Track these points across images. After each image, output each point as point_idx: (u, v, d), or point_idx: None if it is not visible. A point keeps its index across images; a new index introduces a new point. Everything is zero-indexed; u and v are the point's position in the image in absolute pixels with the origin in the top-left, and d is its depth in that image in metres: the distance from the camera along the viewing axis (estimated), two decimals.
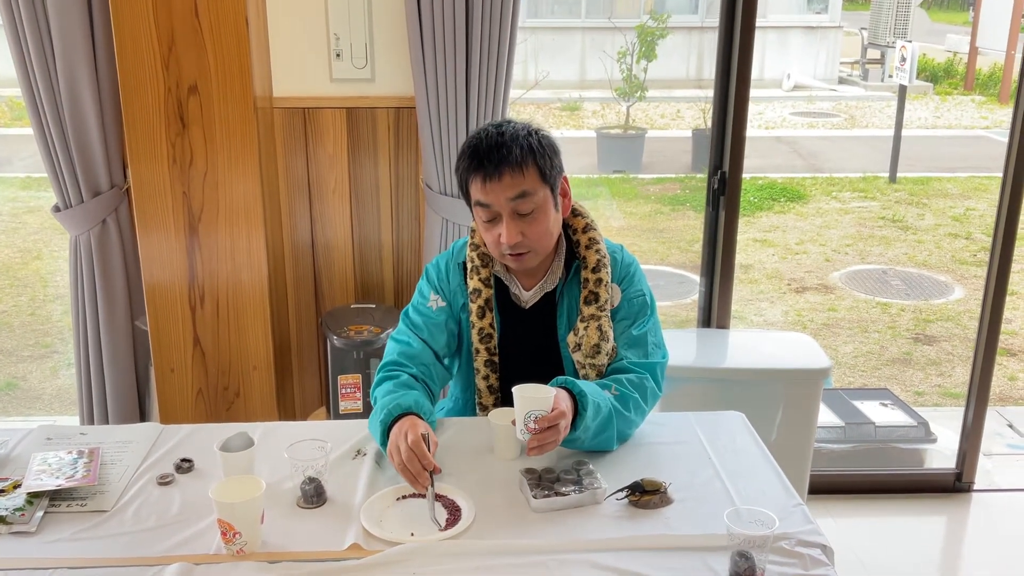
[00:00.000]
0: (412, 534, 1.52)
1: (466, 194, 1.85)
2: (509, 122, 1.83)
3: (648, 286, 1.96)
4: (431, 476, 1.61)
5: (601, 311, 1.86)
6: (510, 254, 1.81)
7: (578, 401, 1.70)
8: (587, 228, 1.91)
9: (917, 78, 10.15)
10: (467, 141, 1.82)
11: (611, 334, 1.86)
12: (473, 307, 1.90)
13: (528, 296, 1.92)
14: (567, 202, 1.89)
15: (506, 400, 1.84)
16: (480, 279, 1.90)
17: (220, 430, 1.80)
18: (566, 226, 1.93)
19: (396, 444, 1.65)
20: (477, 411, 1.97)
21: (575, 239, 1.91)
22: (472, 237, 1.93)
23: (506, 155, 1.75)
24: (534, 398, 1.64)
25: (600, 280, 1.86)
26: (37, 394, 4.51)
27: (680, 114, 10.12)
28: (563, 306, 1.91)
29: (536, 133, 1.81)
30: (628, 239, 6.79)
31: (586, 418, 1.68)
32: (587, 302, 1.86)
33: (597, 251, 1.88)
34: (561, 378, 1.74)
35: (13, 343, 5.09)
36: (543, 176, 1.79)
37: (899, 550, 2.88)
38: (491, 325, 1.90)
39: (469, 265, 1.91)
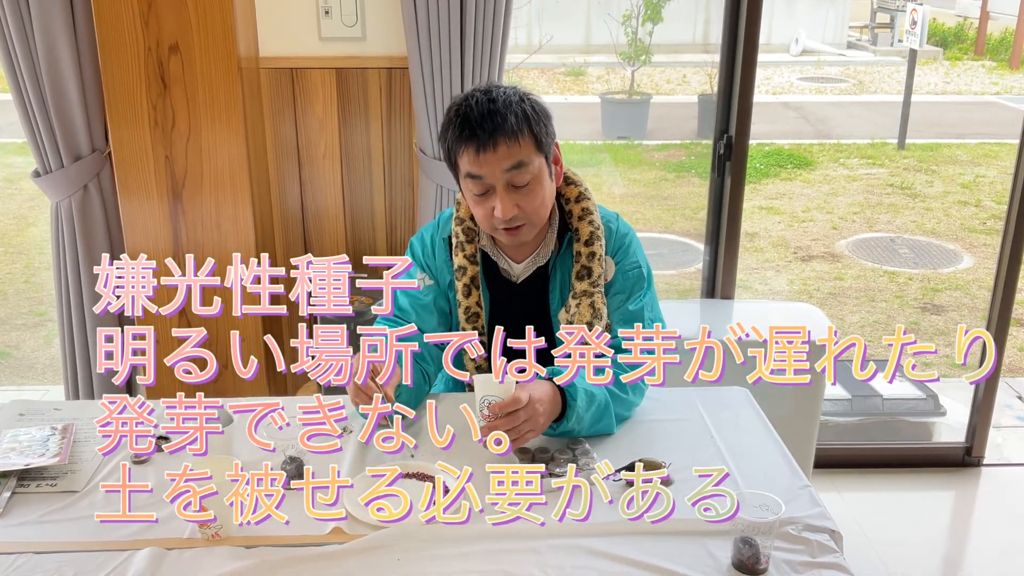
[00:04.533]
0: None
1: (453, 165, 1.73)
2: (498, 87, 1.70)
3: (645, 257, 1.86)
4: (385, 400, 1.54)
5: (594, 287, 1.76)
6: (505, 228, 1.71)
7: (566, 392, 1.61)
8: (580, 197, 1.81)
9: (927, 43, 9.97)
10: (453, 108, 1.69)
11: (604, 311, 1.77)
12: (459, 285, 1.81)
13: (519, 270, 1.82)
14: (559, 170, 1.79)
15: None
16: (465, 255, 1.80)
17: None
18: (559, 195, 1.82)
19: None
20: (467, 391, 1.88)
21: (568, 209, 1.81)
22: (457, 210, 1.82)
23: (500, 123, 1.64)
24: (492, 383, 1.54)
25: (593, 254, 1.77)
26: (30, 363, 4.45)
27: (686, 79, 9.97)
28: (556, 280, 1.81)
29: (528, 98, 1.70)
30: (632, 206, 6.69)
31: (577, 409, 1.60)
32: (579, 277, 1.77)
33: (590, 222, 1.78)
34: (552, 367, 1.65)
35: (7, 311, 5.03)
36: (538, 144, 1.69)
37: (906, 526, 2.82)
38: (478, 304, 1.81)
39: (454, 241, 1.81)
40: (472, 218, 1.79)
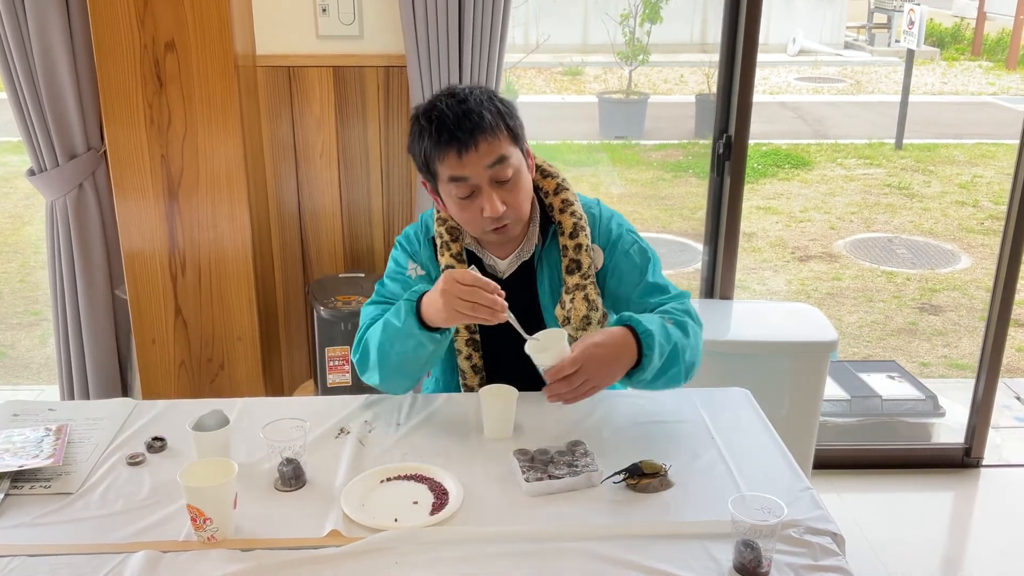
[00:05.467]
0: (396, 519, 1.43)
1: (432, 174, 1.71)
2: (461, 88, 1.70)
3: (634, 229, 1.87)
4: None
5: (585, 279, 1.76)
6: (494, 228, 1.70)
7: (642, 341, 1.61)
8: (559, 189, 1.80)
9: (924, 43, 9.97)
10: (423, 117, 1.69)
11: (599, 302, 1.77)
12: None
13: (504, 266, 1.81)
14: (532, 162, 1.79)
15: (491, 379, 1.75)
16: (452, 254, 1.79)
17: (195, 407, 1.70)
18: (537, 188, 1.82)
19: (452, 295, 1.55)
20: (462, 391, 1.87)
21: (548, 202, 1.81)
22: (439, 211, 1.81)
23: (478, 121, 1.64)
24: (542, 353, 1.57)
25: (579, 245, 1.76)
26: (25, 362, 4.43)
27: (683, 79, 9.95)
28: (543, 273, 1.80)
29: (495, 95, 1.71)
30: (629, 206, 6.68)
31: (652, 357, 1.61)
32: (569, 271, 1.76)
33: (572, 213, 1.78)
34: (626, 315, 1.65)
35: (2, 310, 5.00)
36: (514, 138, 1.70)
37: (905, 527, 2.81)
38: None
39: (438, 241, 1.80)
40: (461, 224, 1.78)
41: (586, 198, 1.86)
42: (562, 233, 1.77)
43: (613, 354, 1.60)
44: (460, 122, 1.64)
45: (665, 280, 1.83)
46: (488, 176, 1.66)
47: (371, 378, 1.77)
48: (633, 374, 1.64)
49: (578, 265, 1.76)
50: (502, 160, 1.66)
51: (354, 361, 1.80)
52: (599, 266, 1.80)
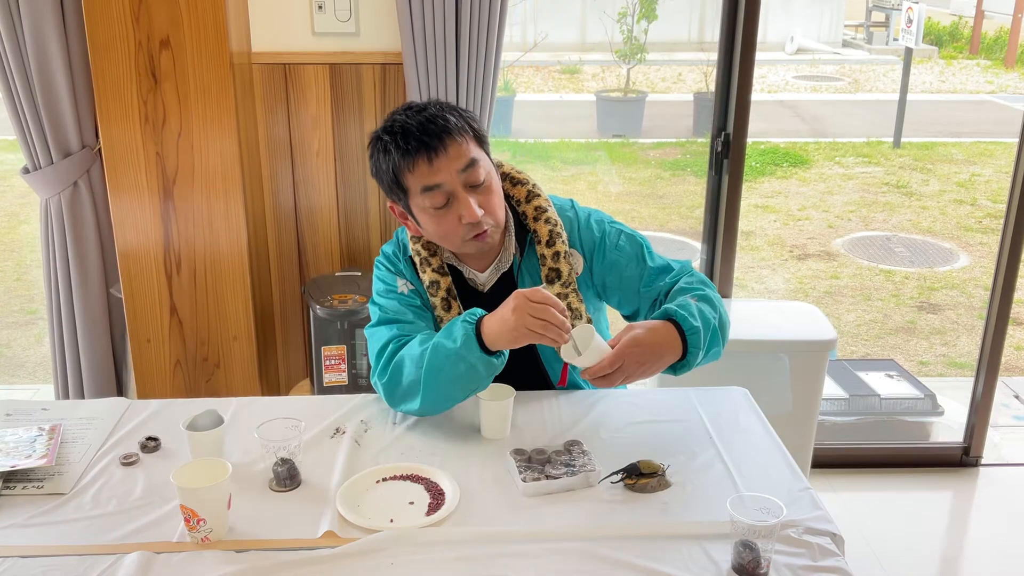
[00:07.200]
0: (391, 520, 1.42)
1: (403, 189, 1.68)
2: (419, 102, 1.70)
3: (616, 221, 1.85)
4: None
5: (566, 287, 1.74)
6: (473, 236, 1.67)
7: (686, 337, 1.61)
8: (530, 196, 1.78)
9: (922, 41, 9.97)
10: (384, 133, 1.67)
11: (583, 309, 1.75)
12: (436, 300, 1.76)
13: (484, 278, 1.79)
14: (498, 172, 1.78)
15: None
16: (433, 269, 1.76)
17: (189, 406, 1.70)
18: (508, 197, 1.79)
19: (525, 312, 1.52)
20: None
21: (521, 210, 1.79)
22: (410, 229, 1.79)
23: (444, 125, 1.63)
24: (574, 357, 1.56)
25: (557, 253, 1.74)
26: (21, 361, 4.42)
27: (681, 77, 9.94)
28: (524, 284, 1.77)
29: (455, 105, 1.71)
30: (627, 205, 6.67)
31: (698, 355, 1.63)
32: (550, 280, 1.74)
33: (547, 220, 1.75)
34: (671, 309, 1.63)
35: None
36: (480, 141, 1.69)
37: (904, 526, 2.80)
38: (460, 315, 1.77)
39: (417, 259, 1.77)
40: (438, 239, 1.75)
41: (559, 199, 1.84)
42: (539, 242, 1.75)
43: (655, 353, 1.59)
44: (425, 127, 1.63)
45: (663, 258, 1.83)
46: (461, 180, 1.64)
47: (407, 404, 1.69)
48: (677, 367, 1.64)
49: (558, 274, 1.74)
50: (473, 163, 1.65)
51: (379, 385, 1.72)
52: (579, 271, 1.78)
